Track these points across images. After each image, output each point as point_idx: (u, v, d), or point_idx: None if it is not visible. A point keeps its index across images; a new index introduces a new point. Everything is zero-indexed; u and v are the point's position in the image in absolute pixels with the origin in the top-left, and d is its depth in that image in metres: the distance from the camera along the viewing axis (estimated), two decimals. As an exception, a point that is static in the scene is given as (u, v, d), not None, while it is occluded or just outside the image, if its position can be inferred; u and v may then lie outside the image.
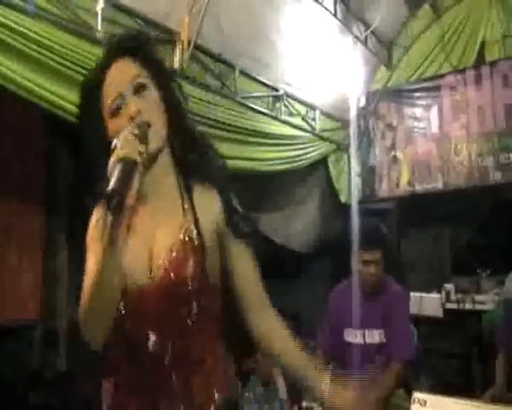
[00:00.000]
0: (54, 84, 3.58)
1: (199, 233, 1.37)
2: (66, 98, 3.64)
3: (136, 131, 1.25)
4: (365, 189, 7.04)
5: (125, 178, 1.15)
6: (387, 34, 6.89)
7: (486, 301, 6.27)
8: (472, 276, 6.59)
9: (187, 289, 1.33)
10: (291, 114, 5.91)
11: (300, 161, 6.02)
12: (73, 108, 3.64)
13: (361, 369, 3.15)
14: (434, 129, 6.70)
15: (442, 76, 6.68)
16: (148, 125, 1.31)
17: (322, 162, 6.58)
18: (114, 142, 1.23)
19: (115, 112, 1.35)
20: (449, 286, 6.58)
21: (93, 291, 1.24)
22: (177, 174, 1.45)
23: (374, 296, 3.26)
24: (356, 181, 6.89)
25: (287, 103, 5.83)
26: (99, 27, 3.96)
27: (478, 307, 6.31)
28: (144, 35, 1.55)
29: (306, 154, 6.09)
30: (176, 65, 4.56)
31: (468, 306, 6.41)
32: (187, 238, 1.36)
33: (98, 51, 3.86)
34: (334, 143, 6.67)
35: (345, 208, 6.37)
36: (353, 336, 3.28)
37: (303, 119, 6.12)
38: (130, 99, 1.35)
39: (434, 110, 6.70)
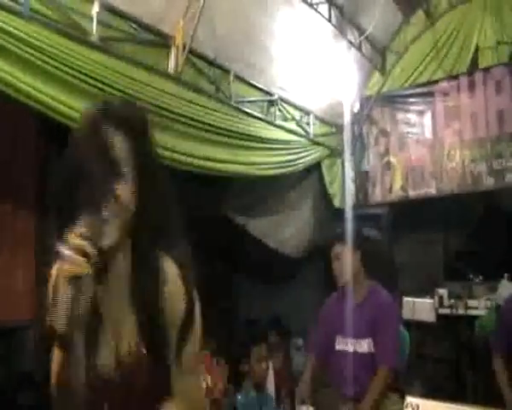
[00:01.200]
0: (48, 86, 3.58)
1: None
2: (60, 101, 3.65)
3: (88, 234, 1.18)
4: (359, 194, 7.05)
5: (74, 306, 1.12)
6: (381, 40, 6.92)
7: (479, 306, 6.30)
8: (464, 281, 6.61)
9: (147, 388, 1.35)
10: (285, 119, 5.92)
11: (294, 165, 6.02)
12: (67, 111, 3.64)
13: (353, 377, 3.17)
14: (428, 135, 6.72)
15: (436, 82, 6.70)
16: (124, 208, 1.28)
17: (316, 167, 6.59)
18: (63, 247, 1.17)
19: None
20: (442, 291, 6.61)
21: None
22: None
23: (361, 305, 3.27)
24: (349, 186, 6.89)
25: (281, 108, 5.84)
26: (94, 31, 3.96)
27: (470, 312, 6.33)
28: (127, 107, 1.44)
29: (300, 158, 6.10)
30: (171, 69, 4.57)
31: (460, 311, 6.45)
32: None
33: (93, 55, 3.88)
34: (328, 148, 6.68)
35: (338, 213, 6.38)
36: (343, 344, 3.30)
37: (297, 123, 6.13)
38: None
39: (428, 116, 6.72)
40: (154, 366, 1.34)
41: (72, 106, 3.69)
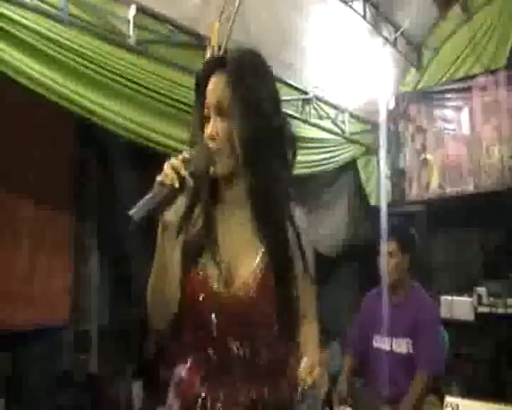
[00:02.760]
0: (88, 89, 3.65)
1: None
2: (99, 104, 3.72)
3: (187, 157, 1.34)
4: (395, 192, 6.97)
5: (152, 204, 1.27)
6: (417, 36, 6.83)
7: (519, 305, 6.15)
8: (504, 280, 6.50)
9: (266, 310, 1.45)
10: (320, 117, 5.89)
11: (329, 163, 5.99)
12: (105, 114, 3.72)
13: (390, 378, 3.15)
14: (465, 131, 6.60)
15: (473, 77, 6.58)
16: (216, 151, 1.42)
17: (351, 165, 6.55)
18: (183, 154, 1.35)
19: (205, 119, 1.48)
20: (481, 290, 6.50)
21: (156, 276, 1.41)
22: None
23: (401, 304, 3.27)
24: (385, 184, 6.83)
25: (316, 106, 5.82)
26: (131, 34, 4.02)
27: (510, 311, 6.22)
28: (249, 54, 1.54)
29: (335, 157, 6.07)
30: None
31: (500, 310, 6.33)
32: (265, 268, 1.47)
33: (130, 57, 3.94)
34: (363, 145, 6.63)
35: (374, 211, 6.34)
36: (381, 343, 3.28)
37: (332, 121, 6.10)
38: (212, 117, 1.46)
39: (465, 112, 6.61)
40: (276, 289, 1.43)
41: (110, 109, 3.77)
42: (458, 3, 6.78)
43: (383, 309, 3.33)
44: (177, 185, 1.28)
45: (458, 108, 6.67)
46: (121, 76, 3.86)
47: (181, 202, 1.40)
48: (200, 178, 1.39)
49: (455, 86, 6.72)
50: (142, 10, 4.10)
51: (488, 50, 6.64)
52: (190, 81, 4.37)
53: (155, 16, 4.24)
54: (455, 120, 6.69)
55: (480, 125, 6.50)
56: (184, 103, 4.16)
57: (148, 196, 1.27)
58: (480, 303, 6.46)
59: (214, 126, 1.44)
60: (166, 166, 1.30)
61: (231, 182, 1.49)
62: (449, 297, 6.49)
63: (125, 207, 1.26)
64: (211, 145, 1.43)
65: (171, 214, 1.33)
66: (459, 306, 6.52)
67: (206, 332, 1.45)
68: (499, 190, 6.28)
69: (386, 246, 3.40)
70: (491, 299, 6.41)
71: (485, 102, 6.45)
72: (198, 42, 4.57)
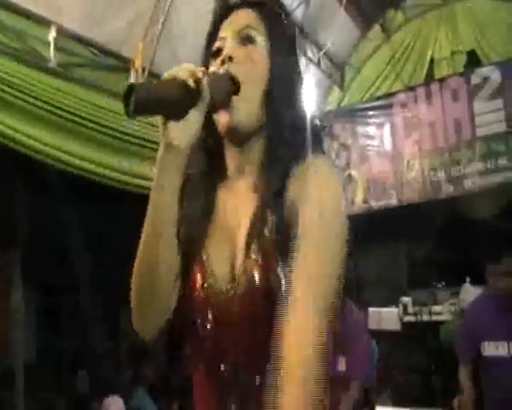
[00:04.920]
0: (5, 115, 3.49)
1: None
2: (17, 129, 3.55)
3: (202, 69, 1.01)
4: (321, 208, 7.04)
5: (159, 93, 0.93)
6: (340, 55, 7.01)
7: (443, 311, 6.42)
8: (428, 288, 6.71)
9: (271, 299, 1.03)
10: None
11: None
12: (27, 141, 3.56)
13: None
14: (388, 146, 6.79)
15: (394, 94, 6.80)
16: (235, 81, 1.07)
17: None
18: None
19: (215, 54, 1.15)
20: (406, 299, 6.70)
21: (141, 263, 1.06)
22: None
23: None
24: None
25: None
26: (51, 56, 3.89)
27: (435, 318, 6.42)
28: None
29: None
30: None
31: (425, 317, 6.53)
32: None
33: (51, 81, 3.81)
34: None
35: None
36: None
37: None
38: (229, 44, 1.12)
39: (387, 128, 6.79)
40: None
41: (32, 135, 3.61)
42: (378, 24, 7.01)
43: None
44: (191, 84, 0.94)
45: (380, 125, 6.86)
46: (42, 100, 3.71)
47: (190, 126, 0.99)
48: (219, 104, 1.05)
49: (377, 103, 6.92)
50: (63, 32, 3.98)
51: (408, 68, 6.92)
52: (117, 105, 4.29)
53: (79, 39, 4.13)
54: (377, 136, 6.87)
55: (402, 141, 6.70)
56: (112, 128, 4.06)
57: (153, 85, 0.96)
58: (405, 312, 6.66)
59: (229, 50, 1.10)
60: (179, 67, 0.96)
61: (241, 146, 1.13)
62: (376, 309, 6.62)
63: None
64: (229, 69, 1.08)
65: (179, 131, 0.97)
66: (386, 316, 6.69)
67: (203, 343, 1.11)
68: (421, 202, 6.49)
69: None
70: (417, 307, 6.60)
71: (405, 117, 6.67)
72: (123, 64, 4.49)
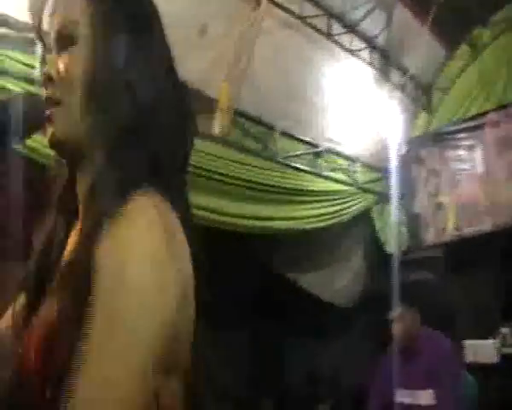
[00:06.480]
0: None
1: None
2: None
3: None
4: (411, 238, 6.81)
5: None
6: (426, 78, 6.76)
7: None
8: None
9: None
10: (333, 170, 5.78)
11: (342, 215, 5.88)
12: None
13: None
14: (479, 169, 6.45)
15: (484, 114, 6.45)
16: (56, 103, 0.87)
17: (366, 214, 6.42)
18: None
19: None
20: (505, 330, 6.34)
21: None
22: None
23: (414, 355, 3.16)
24: (401, 231, 6.66)
25: (328, 159, 5.71)
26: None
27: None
28: None
29: (348, 207, 5.97)
30: (216, 131, 4.49)
31: (526, 350, 6.12)
32: None
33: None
34: (376, 194, 6.51)
35: (391, 259, 6.17)
36: (401, 397, 3.16)
37: (344, 172, 5.98)
38: (50, 57, 0.91)
39: (478, 150, 6.47)
40: None
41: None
42: (465, 42, 6.71)
43: (396, 363, 3.20)
44: None
45: (471, 147, 6.53)
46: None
47: None
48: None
49: (466, 125, 6.60)
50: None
51: (498, 86, 6.54)
52: (202, 144, 4.27)
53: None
54: (468, 159, 6.55)
55: (494, 162, 6.35)
56: (199, 168, 4.04)
57: None
58: (504, 344, 6.28)
59: (51, 62, 0.88)
60: None
61: (78, 167, 0.90)
62: (472, 341, 6.30)
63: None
64: (47, 91, 0.88)
65: None
66: (483, 349, 6.33)
67: None
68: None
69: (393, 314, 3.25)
70: (515, 339, 6.20)
71: (498, 137, 6.30)
72: (207, 104, 4.45)
